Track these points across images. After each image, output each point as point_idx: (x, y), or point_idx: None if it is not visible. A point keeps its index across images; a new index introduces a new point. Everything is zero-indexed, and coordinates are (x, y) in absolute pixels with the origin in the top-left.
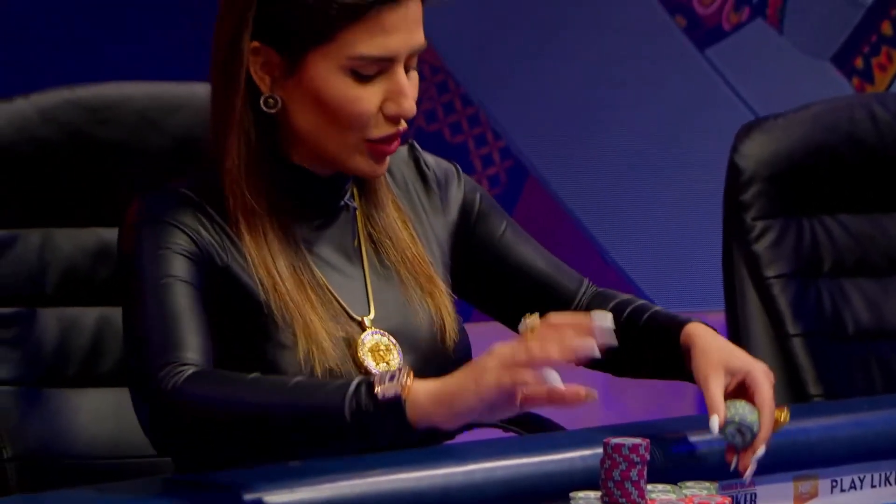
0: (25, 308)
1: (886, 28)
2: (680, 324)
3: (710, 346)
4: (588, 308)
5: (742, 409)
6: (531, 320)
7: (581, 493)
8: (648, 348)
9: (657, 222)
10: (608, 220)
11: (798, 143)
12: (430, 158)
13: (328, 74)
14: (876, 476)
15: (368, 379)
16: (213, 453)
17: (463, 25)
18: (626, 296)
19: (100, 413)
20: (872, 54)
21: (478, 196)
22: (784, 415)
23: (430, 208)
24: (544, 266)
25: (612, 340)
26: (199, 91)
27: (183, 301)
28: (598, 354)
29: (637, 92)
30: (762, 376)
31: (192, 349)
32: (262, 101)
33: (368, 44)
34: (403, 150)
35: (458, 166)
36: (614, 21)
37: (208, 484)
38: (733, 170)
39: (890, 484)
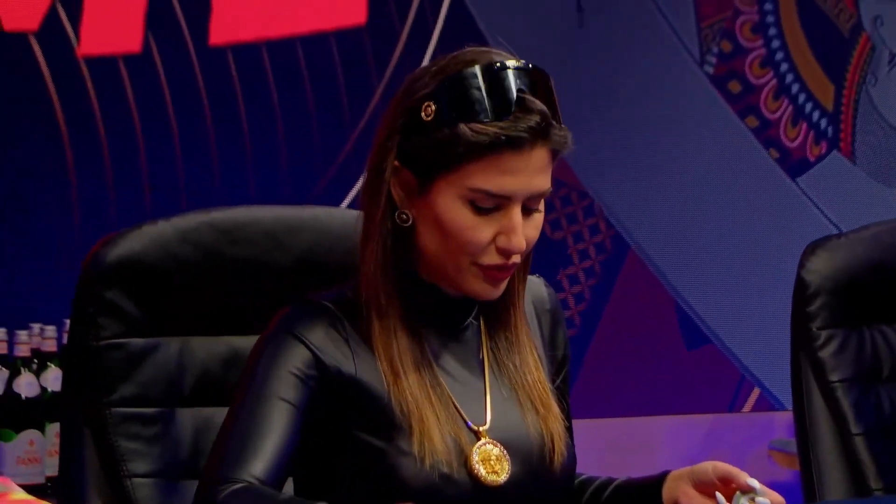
0: (165, 409)
1: None
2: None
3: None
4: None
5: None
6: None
7: None
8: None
9: (759, 309)
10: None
11: (859, 260)
12: (556, 301)
13: (450, 200)
14: None
15: None
16: None
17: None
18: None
19: None
20: None
21: (567, 369)
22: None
23: (546, 341)
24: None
25: None
26: (320, 214)
27: (276, 421)
28: None
29: (742, 214)
30: (726, 465)
31: (257, 468)
32: (396, 216)
33: (486, 180)
34: (542, 284)
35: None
36: (716, 152)
37: None
38: (800, 284)
39: None
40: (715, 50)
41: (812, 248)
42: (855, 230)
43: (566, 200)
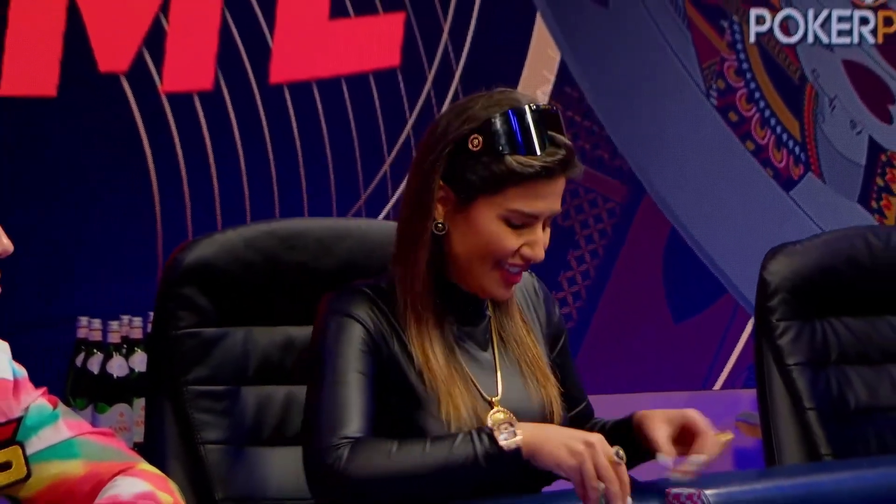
0: (232, 386)
1: (879, 181)
2: (632, 415)
3: (651, 412)
4: (576, 418)
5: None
6: (621, 453)
7: None
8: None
9: None
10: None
11: (812, 263)
12: (541, 282)
13: (489, 217)
14: None
15: (486, 430)
16: None
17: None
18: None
19: (287, 465)
20: (878, 199)
21: (565, 335)
22: (728, 434)
23: (538, 317)
24: (571, 378)
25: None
26: (362, 225)
27: (353, 390)
28: None
29: (747, 222)
30: (696, 415)
31: (353, 427)
32: (434, 225)
33: (523, 203)
34: (529, 278)
35: (555, 299)
36: (724, 170)
37: None
38: (762, 283)
39: None
40: (714, 86)
41: (772, 254)
42: (809, 238)
43: (574, 193)
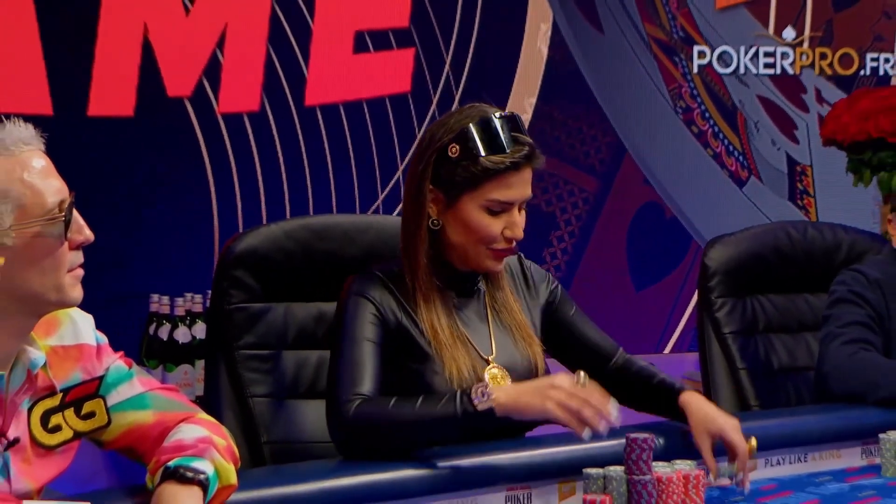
0: (275, 351)
1: (799, 185)
2: (678, 392)
3: (698, 414)
4: (620, 369)
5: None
6: (582, 376)
7: (611, 467)
8: (654, 402)
9: None
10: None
11: (743, 251)
12: (532, 265)
13: (473, 210)
14: (793, 456)
15: (466, 392)
16: (376, 454)
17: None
18: (643, 363)
19: (319, 414)
20: (802, 199)
21: (559, 291)
22: (753, 441)
23: (528, 294)
24: (594, 336)
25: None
26: (380, 219)
27: (365, 356)
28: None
29: (710, 213)
30: (733, 431)
31: (366, 387)
32: (430, 223)
33: (498, 193)
34: (515, 259)
35: (550, 275)
36: (690, 171)
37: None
38: (703, 267)
39: (802, 461)
40: (679, 105)
41: (712, 243)
42: (741, 231)
43: (555, 185)
